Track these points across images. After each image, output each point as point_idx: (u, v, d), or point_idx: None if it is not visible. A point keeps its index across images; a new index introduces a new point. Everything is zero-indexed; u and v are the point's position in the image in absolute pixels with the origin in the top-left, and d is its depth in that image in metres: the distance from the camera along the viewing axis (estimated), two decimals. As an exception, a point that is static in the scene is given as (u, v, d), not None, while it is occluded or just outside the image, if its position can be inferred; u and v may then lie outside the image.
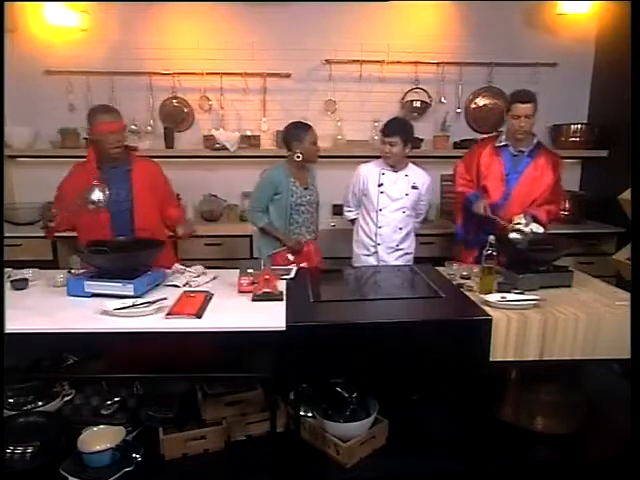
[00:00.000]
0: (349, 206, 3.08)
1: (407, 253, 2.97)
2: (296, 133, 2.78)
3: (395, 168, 2.86)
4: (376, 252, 2.93)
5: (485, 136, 3.13)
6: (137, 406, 2.25)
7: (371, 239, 2.93)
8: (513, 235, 2.44)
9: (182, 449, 2.09)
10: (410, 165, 2.91)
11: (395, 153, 2.78)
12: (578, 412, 2.26)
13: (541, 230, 2.50)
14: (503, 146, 2.79)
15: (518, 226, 2.48)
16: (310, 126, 2.81)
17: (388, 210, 2.87)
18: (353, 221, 3.09)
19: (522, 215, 2.53)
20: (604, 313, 1.92)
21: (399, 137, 2.75)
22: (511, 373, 2.34)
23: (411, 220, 2.94)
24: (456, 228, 3.03)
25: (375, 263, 2.91)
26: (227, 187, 3.97)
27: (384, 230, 2.89)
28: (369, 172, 2.91)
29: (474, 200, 2.77)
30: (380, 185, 2.86)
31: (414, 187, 2.87)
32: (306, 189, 2.85)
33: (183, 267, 2.40)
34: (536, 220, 2.58)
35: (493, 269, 2.10)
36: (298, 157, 2.75)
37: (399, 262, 2.92)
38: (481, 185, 2.82)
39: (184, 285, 2.22)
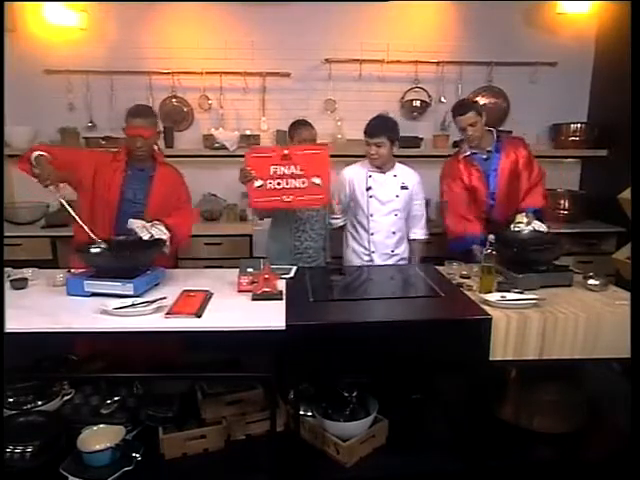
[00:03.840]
0: (334, 213, 2.77)
1: (402, 258, 2.84)
2: (291, 131, 2.77)
3: (382, 169, 2.72)
4: (371, 260, 2.77)
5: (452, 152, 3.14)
6: (137, 405, 2.25)
7: (364, 247, 2.78)
8: (517, 228, 2.46)
9: (182, 448, 2.08)
10: (397, 165, 2.78)
11: (382, 154, 2.63)
12: (578, 411, 2.26)
13: (543, 228, 2.50)
14: (471, 154, 2.83)
15: (520, 225, 2.49)
16: (305, 124, 2.77)
17: (380, 215, 2.72)
18: (340, 228, 2.89)
19: (523, 214, 2.54)
20: (604, 312, 1.92)
21: (385, 137, 2.60)
22: (511, 372, 2.34)
23: (403, 223, 2.80)
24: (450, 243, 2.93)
25: None
26: (227, 186, 3.97)
27: (377, 237, 2.74)
28: (355, 175, 2.75)
29: (470, 243, 2.81)
30: (368, 189, 2.71)
31: (404, 187, 2.73)
32: None
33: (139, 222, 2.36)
34: (539, 218, 2.58)
35: (493, 268, 2.10)
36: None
37: None
38: (472, 197, 2.86)
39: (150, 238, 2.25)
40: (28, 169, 2.28)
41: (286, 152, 2.39)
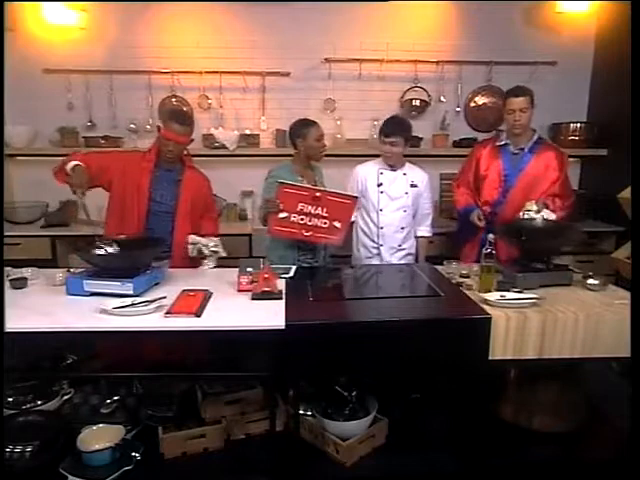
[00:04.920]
0: None
1: (409, 253, 2.94)
2: (300, 130, 2.74)
3: (393, 167, 2.85)
4: (379, 253, 2.89)
5: (485, 137, 3.17)
6: (136, 405, 2.26)
7: (373, 240, 2.90)
8: (527, 215, 2.47)
9: (182, 448, 2.08)
10: (407, 164, 2.90)
11: (396, 152, 2.78)
12: (577, 411, 2.26)
13: (552, 217, 2.49)
14: (503, 145, 2.83)
15: (529, 213, 2.48)
16: (314, 123, 2.76)
17: (389, 210, 2.85)
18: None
19: (534, 202, 2.53)
20: (603, 312, 1.92)
21: (400, 136, 2.74)
22: (510, 372, 2.34)
23: (411, 219, 2.91)
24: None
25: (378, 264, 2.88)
26: (226, 186, 3.96)
27: (386, 230, 2.86)
28: (367, 172, 2.89)
29: (469, 211, 2.89)
30: (379, 185, 2.84)
31: (413, 185, 2.85)
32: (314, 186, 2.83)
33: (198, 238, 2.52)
34: (547, 208, 2.59)
35: (492, 268, 2.10)
36: (301, 155, 2.74)
37: (402, 262, 2.88)
38: (479, 186, 2.90)
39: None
40: (64, 179, 2.36)
41: (318, 194, 2.49)
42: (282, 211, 2.49)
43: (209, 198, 2.80)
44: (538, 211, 2.48)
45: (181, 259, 2.56)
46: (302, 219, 2.52)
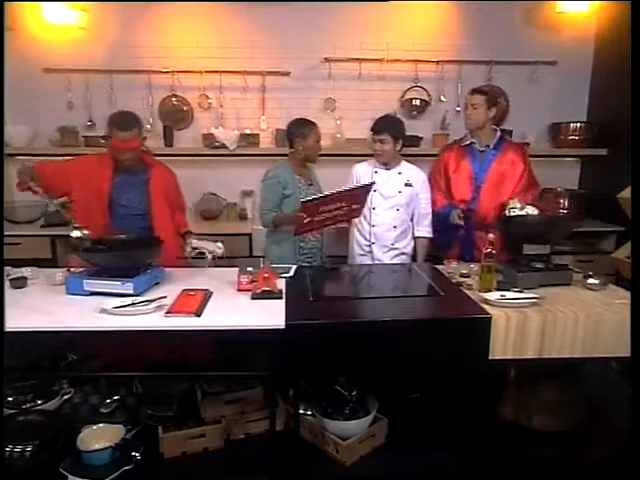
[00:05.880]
0: None
1: (403, 253, 2.94)
2: (300, 130, 2.75)
3: (387, 166, 2.86)
4: (371, 251, 2.90)
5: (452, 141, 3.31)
6: (137, 404, 2.25)
7: (365, 238, 2.91)
8: (513, 213, 2.52)
9: (182, 447, 2.08)
10: (403, 163, 2.91)
11: (386, 150, 2.79)
12: (577, 411, 2.26)
13: (536, 212, 2.54)
14: (469, 145, 2.96)
15: (515, 210, 2.52)
16: (315, 124, 2.78)
17: (381, 208, 2.85)
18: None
19: (516, 200, 2.62)
20: (603, 311, 1.92)
21: (388, 134, 2.76)
22: (510, 372, 2.34)
23: (406, 219, 2.91)
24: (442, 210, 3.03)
25: (370, 262, 2.89)
26: (226, 185, 3.98)
27: (378, 229, 2.87)
28: (362, 171, 2.91)
29: (448, 212, 2.94)
30: (372, 184, 2.83)
31: (408, 184, 2.85)
32: (311, 185, 2.84)
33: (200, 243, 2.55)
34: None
35: (493, 267, 2.10)
36: (299, 154, 2.76)
37: (395, 262, 2.89)
38: (451, 187, 2.99)
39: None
40: (25, 186, 2.31)
41: (337, 196, 2.51)
42: (305, 218, 2.50)
43: (177, 191, 2.75)
44: (522, 208, 2.55)
45: (170, 258, 2.47)
46: (324, 216, 2.55)
